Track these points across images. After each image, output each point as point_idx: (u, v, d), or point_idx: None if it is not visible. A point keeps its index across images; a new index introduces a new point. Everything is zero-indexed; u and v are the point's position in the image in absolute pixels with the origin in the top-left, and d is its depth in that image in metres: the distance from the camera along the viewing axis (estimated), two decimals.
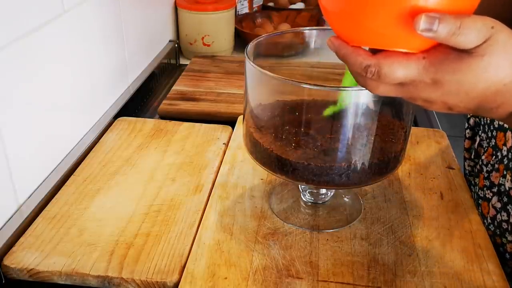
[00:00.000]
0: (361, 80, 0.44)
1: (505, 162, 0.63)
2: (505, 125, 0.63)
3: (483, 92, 0.40)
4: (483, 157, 0.69)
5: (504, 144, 0.63)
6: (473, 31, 0.38)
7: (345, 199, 0.71)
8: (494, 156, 0.67)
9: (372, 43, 0.42)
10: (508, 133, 0.62)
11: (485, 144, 0.70)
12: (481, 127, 0.71)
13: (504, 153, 0.63)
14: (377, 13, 0.39)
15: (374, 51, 0.42)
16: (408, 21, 0.38)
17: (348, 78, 0.55)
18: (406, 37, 0.40)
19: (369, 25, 0.40)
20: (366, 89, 0.44)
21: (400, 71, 0.41)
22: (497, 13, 0.44)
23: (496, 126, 0.65)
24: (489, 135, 0.68)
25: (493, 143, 0.66)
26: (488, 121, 0.68)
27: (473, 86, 0.40)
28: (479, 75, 0.39)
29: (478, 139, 0.73)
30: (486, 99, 0.41)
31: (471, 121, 0.75)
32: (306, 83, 0.55)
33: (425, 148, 0.82)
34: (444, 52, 0.40)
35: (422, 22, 0.37)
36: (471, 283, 0.58)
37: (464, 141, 0.80)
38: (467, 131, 0.77)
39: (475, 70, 0.39)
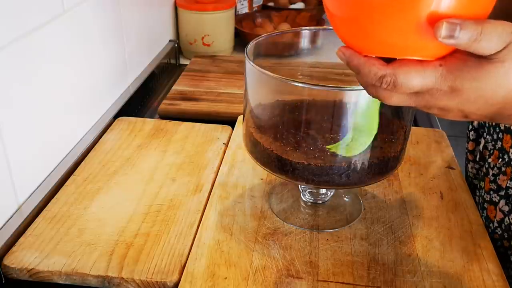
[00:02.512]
0: (373, 91, 0.42)
1: None
2: (511, 128, 0.63)
3: (503, 99, 0.39)
4: (489, 160, 0.69)
5: (511, 147, 0.63)
6: (494, 37, 0.37)
7: (345, 199, 0.71)
8: (500, 159, 0.66)
9: (385, 52, 0.41)
10: None
11: (490, 147, 0.69)
12: (486, 129, 0.70)
13: (511, 156, 0.63)
14: (392, 22, 0.38)
15: (387, 60, 0.41)
16: (425, 29, 0.37)
17: None
18: (422, 44, 0.39)
19: (383, 34, 0.39)
20: (379, 99, 0.42)
21: (417, 80, 0.39)
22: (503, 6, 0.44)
23: (502, 128, 0.65)
24: (495, 137, 0.67)
25: (500, 146, 0.66)
26: (494, 123, 0.67)
27: (493, 93, 0.39)
28: (499, 81, 0.38)
29: (483, 141, 0.72)
30: (505, 106, 0.40)
31: (475, 122, 0.75)
32: (306, 83, 0.55)
33: (425, 148, 0.82)
34: (462, 59, 0.39)
35: (444, 29, 0.36)
36: (471, 283, 0.58)
37: (467, 143, 0.79)
38: (471, 133, 0.76)
39: (496, 77, 0.38)
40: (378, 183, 0.72)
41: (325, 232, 0.65)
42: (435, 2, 0.36)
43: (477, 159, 0.74)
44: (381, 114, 0.55)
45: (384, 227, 0.66)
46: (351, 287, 0.57)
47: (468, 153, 0.80)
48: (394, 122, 0.60)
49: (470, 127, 0.77)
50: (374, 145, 0.58)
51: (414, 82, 0.39)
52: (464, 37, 0.36)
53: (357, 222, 0.66)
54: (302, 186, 0.70)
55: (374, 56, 0.41)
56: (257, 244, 0.62)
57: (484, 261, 0.60)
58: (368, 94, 0.43)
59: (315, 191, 0.69)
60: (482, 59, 0.38)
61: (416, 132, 0.86)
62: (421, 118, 1.01)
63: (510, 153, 0.63)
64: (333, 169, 0.58)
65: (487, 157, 0.71)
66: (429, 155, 0.80)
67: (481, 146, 0.73)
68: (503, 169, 0.65)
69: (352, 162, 0.57)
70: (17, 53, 0.63)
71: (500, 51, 0.37)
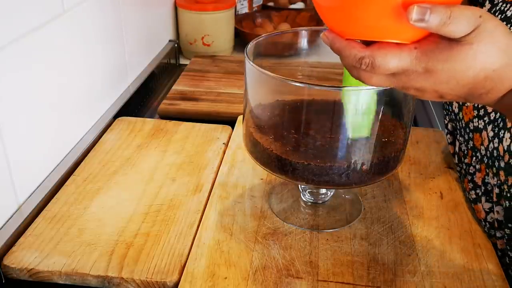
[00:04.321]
0: (355, 72, 0.45)
1: (485, 161, 0.63)
2: (480, 126, 0.64)
3: (473, 79, 0.41)
4: (465, 161, 0.70)
5: (482, 144, 0.64)
6: (462, 20, 0.39)
7: (345, 199, 0.71)
8: (474, 158, 0.67)
9: (365, 35, 0.43)
10: (484, 133, 0.63)
11: (463, 147, 0.71)
12: (458, 131, 0.72)
13: (483, 152, 0.63)
14: (369, 6, 0.40)
15: (367, 43, 0.43)
16: (400, 13, 0.39)
17: (348, 78, 0.55)
18: (398, 28, 0.41)
19: (361, 18, 0.41)
20: (360, 80, 0.45)
21: (393, 62, 0.42)
22: None
23: (472, 128, 0.66)
24: (466, 137, 0.68)
25: (471, 145, 0.67)
26: (464, 125, 0.68)
27: (463, 74, 0.41)
28: (469, 62, 0.41)
29: (458, 143, 0.73)
30: (476, 85, 0.42)
31: (449, 126, 0.76)
32: (306, 83, 0.55)
33: (425, 148, 0.82)
34: (435, 42, 0.41)
35: (414, 13, 0.39)
36: (471, 283, 0.58)
37: (448, 145, 0.80)
38: (448, 136, 0.77)
39: (465, 58, 0.40)
40: (378, 183, 0.72)
41: (325, 232, 0.65)
42: None
43: (456, 161, 0.75)
44: (381, 114, 0.56)
45: (384, 227, 0.66)
46: (351, 287, 0.57)
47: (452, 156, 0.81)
48: (394, 122, 0.60)
49: (446, 131, 0.77)
50: (374, 145, 0.58)
51: (391, 64, 0.42)
52: (434, 21, 0.39)
53: (357, 222, 0.66)
54: (302, 186, 0.70)
55: (355, 40, 0.44)
56: (257, 244, 0.62)
57: (484, 261, 0.60)
58: (351, 75, 0.46)
59: (315, 191, 0.69)
60: (453, 41, 0.40)
61: (416, 132, 0.86)
62: (421, 118, 1.01)
63: (481, 150, 0.64)
64: (333, 169, 0.58)
65: (462, 158, 0.71)
66: (429, 155, 0.80)
67: (457, 148, 0.74)
68: (477, 166, 0.66)
69: (352, 162, 0.58)
70: (17, 53, 0.63)
71: (469, 34, 0.40)
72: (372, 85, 0.45)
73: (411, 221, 0.67)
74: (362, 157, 0.58)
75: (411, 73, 0.42)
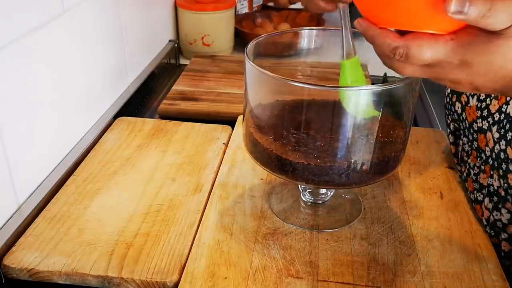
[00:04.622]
0: (387, 61, 0.44)
1: (490, 162, 0.63)
2: (484, 126, 0.64)
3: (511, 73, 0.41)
4: (469, 161, 0.70)
5: (486, 145, 0.63)
6: (503, 13, 0.38)
7: (345, 199, 0.71)
8: (478, 158, 0.67)
9: (400, 24, 0.42)
10: (489, 133, 0.63)
11: (467, 148, 0.71)
12: (462, 132, 0.71)
13: (488, 153, 0.63)
14: None
15: (402, 33, 0.42)
16: (437, 3, 0.39)
17: (344, 78, 0.55)
18: (435, 18, 0.40)
19: (398, 6, 0.41)
20: (393, 70, 0.44)
21: (428, 53, 0.41)
22: None
23: (476, 128, 0.66)
24: (470, 138, 0.68)
25: (476, 146, 0.67)
26: (467, 125, 0.68)
27: (502, 67, 0.40)
28: (508, 56, 0.40)
29: (461, 143, 0.73)
30: None
31: (452, 126, 0.76)
32: (306, 83, 0.55)
33: (425, 148, 0.82)
34: (473, 34, 0.40)
35: (453, 5, 0.38)
36: (471, 283, 0.58)
37: (450, 145, 0.80)
38: (450, 136, 0.77)
39: (504, 51, 0.40)
40: (378, 183, 0.72)
41: (325, 232, 0.65)
42: None
43: (458, 161, 0.75)
44: (381, 114, 0.56)
45: (384, 227, 0.66)
46: (351, 287, 0.57)
47: (453, 156, 0.81)
48: (394, 122, 0.60)
49: (448, 130, 0.77)
50: (374, 145, 0.58)
51: (426, 54, 0.41)
52: (473, 13, 0.38)
53: (357, 222, 0.66)
54: (302, 186, 0.70)
55: (389, 29, 0.43)
56: (257, 244, 0.62)
57: (484, 261, 0.60)
58: (384, 64, 0.45)
59: (315, 191, 0.69)
60: (492, 34, 0.39)
61: (416, 132, 0.86)
62: (421, 118, 1.01)
63: (486, 151, 0.64)
64: (333, 169, 0.58)
65: (466, 158, 0.71)
66: (429, 155, 0.80)
67: (460, 148, 0.74)
68: (482, 167, 0.66)
69: (352, 162, 0.57)
70: (17, 53, 0.63)
71: (509, 26, 0.39)
72: (405, 75, 0.44)
73: (411, 221, 0.67)
74: (362, 157, 0.58)
75: (446, 64, 0.42)
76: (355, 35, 0.54)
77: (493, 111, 0.62)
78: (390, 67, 0.44)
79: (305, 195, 0.70)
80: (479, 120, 0.65)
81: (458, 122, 0.72)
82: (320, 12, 0.62)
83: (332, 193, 0.70)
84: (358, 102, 0.56)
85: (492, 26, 0.39)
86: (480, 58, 0.40)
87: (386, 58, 0.44)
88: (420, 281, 0.58)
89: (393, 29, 0.43)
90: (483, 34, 0.40)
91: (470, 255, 0.61)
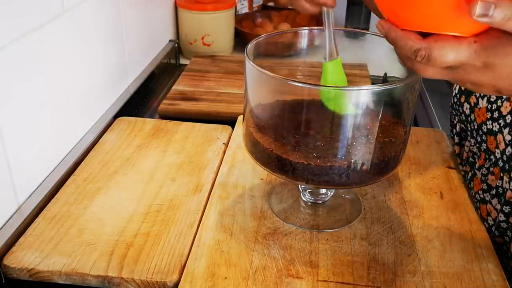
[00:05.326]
0: (409, 63, 0.44)
1: (500, 165, 0.63)
2: (494, 128, 0.63)
3: None
4: (476, 162, 0.70)
5: (497, 147, 0.63)
6: None
7: (345, 199, 0.71)
8: (487, 160, 0.67)
9: (422, 26, 0.42)
10: (499, 135, 0.62)
11: (475, 149, 0.70)
12: (469, 133, 0.71)
13: (498, 156, 0.63)
14: None
15: (423, 35, 0.42)
16: (461, 6, 0.38)
17: (325, 79, 0.55)
18: (458, 21, 0.40)
19: (421, 8, 0.40)
20: (415, 72, 0.44)
21: (451, 55, 0.41)
22: None
23: (485, 130, 0.65)
24: (479, 139, 0.68)
25: (485, 147, 0.66)
26: (476, 126, 0.68)
27: None
28: None
29: (468, 144, 0.73)
30: None
31: (458, 127, 0.76)
32: (306, 83, 0.55)
33: (425, 148, 0.82)
34: (496, 37, 0.40)
35: (478, 8, 0.37)
36: (471, 283, 0.58)
37: (453, 146, 0.80)
38: (455, 137, 0.77)
39: None
40: (378, 183, 0.72)
41: (325, 232, 0.65)
42: None
43: (464, 162, 0.74)
44: (381, 114, 0.56)
45: (384, 227, 0.66)
46: (351, 287, 0.57)
47: (456, 157, 0.81)
48: (394, 122, 0.60)
49: (454, 131, 0.77)
50: (374, 145, 0.58)
51: (448, 57, 0.41)
52: (498, 16, 0.38)
53: (357, 222, 0.66)
54: (302, 186, 0.70)
55: (411, 31, 0.42)
56: (257, 244, 0.62)
57: (484, 261, 0.60)
58: (405, 66, 0.45)
59: (315, 191, 0.69)
60: None
61: (416, 132, 0.86)
62: (421, 118, 1.01)
63: (495, 153, 0.64)
64: (333, 169, 0.58)
65: (472, 159, 0.71)
66: (429, 155, 0.80)
67: (466, 149, 0.74)
68: (491, 169, 0.66)
69: (352, 162, 0.57)
70: (17, 53, 0.63)
71: None
72: (427, 77, 0.44)
73: (411, 221, 0.67)
74: (362, 157, 0.58)
75: (469, 67, 0.41)
76: (357, 35, 0.54)
77: (504, 113, 0.62)
78: (411, 68, 0.44)
79: (305, 195, 0.70)
80: (489, 122, 0.64)
81: (465, 123, 0.71)
82: (308, 13, 0.62)
83: (332, 193, 0.70)
84: (344, 102, 0.56)
85: None
86: (504, 61, 0.40)
87: (408, 60, 0.44)
88: (420, 281, 0.58)
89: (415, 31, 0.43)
90: (507, 36, 0.40)
91: (470, 255, 0.61)
